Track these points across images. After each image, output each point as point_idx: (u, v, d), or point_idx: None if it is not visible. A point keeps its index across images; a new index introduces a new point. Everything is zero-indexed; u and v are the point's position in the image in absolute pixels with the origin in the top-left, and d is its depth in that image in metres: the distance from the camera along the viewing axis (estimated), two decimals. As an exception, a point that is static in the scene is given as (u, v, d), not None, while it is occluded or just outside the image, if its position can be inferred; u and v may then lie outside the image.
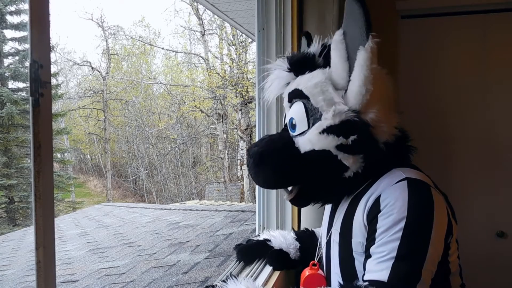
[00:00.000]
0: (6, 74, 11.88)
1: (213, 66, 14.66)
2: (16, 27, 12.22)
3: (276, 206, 1.62)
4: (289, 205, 1.64)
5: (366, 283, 0.83)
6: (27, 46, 4.02)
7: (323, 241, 1.12)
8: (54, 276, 0.70)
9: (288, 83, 1.06)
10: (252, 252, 1.31)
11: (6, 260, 3.53)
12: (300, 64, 1.04)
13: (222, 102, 13.86)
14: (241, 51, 13.10)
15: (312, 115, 0.97)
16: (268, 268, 1.27)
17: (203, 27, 13.87)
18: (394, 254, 0.82)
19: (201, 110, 14.29)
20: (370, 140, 0.92)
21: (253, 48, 13.34)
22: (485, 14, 2.05)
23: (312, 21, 1.56)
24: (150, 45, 17.91)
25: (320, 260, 1.15)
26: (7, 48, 12.28)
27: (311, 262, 1.13)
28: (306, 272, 1.12)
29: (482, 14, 2.05)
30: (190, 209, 4.53)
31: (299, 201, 1.07)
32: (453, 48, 2.11)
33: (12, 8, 12.14)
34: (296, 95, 1.01)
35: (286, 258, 1.26)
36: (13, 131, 11.33)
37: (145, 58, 18.17)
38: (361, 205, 0.94)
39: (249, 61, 13.20)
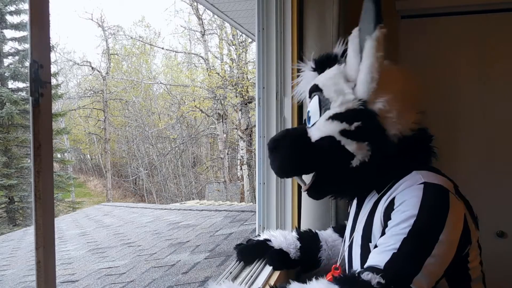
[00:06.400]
0: (6, 74, 11.87)
1: (213, 66, 14.65)
2: (16, 27, 12.21)
3: (276, 206, 1.62)
4: (289, 205, 1.64)
5: (363, 269, 0.84)
6: (27, 46, 4.01)
7: (346, 243, 1.12)
8: (54, 276, 0.70)
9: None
10: (252, 252, 1.30)
11: (6, 260, 3.53)
12: (323, 64, 1.10)
13: (222, 102, 13.85)
14: (241, 51, 13.10)
15: (324, 105, 1.02)
16: (268, 268, 1.27)
17: (203, 27, 13.86)
18: (397, 245, 0.82)
19: (201, 110, 14.29)
20: (376, 129, 0.94)
21: (253, 48, 13.34)
22: (485, 14, 2.05)
23: (312, 21, 1.55)
24: (150, 45, 17.90)
25: (342, 263, 1.13)
26: (7, 48, 12.28)
27: (333, 265, 1.10)
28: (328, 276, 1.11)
29: (482, 14, 2.05)
30: (190, 209, 4.52)
31: (314, 192, 1.09)
32: (453, 48, 2.11)
33: (12, 8, 12.14)
34: (314, 89, 1.07)
35: (286, 258, 1.25)
36: (13, 131, 11.33)
37: (145, 58, 18.16)
38: (379, 207, 0.95)
39: (249, 61, 13.20)
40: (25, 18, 12.00)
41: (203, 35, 14.11)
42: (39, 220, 0.66)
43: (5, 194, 11.19)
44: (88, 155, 22.05)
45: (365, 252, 0.99)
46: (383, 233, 0.89)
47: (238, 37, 12.92)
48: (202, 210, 4.26)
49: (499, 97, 2.07)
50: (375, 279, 0.75)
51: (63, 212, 12.60)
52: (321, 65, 1.10)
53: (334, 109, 0.98)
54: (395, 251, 0.81)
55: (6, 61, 12.31)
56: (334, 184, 1.05)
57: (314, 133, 1.01)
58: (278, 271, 1.27)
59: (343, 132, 0.95)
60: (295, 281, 0.93)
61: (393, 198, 0.91)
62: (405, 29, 2.13)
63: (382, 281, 0.75)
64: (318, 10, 1.54)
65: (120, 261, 2.41)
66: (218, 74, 13.59)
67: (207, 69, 14.39)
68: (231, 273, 1.24)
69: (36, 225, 0.66)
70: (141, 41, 17.67)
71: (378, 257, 0.83)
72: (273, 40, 1.61)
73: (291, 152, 1.03)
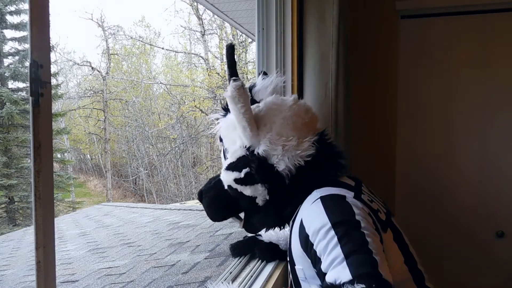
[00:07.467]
0: (6, 74, 11.87)
1: (213, 66, 14.66)
2: (16, 27, 12.20)
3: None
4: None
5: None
6: (27, 46, 4.01)
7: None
8: (54, 276, 0.70)
9: None
10: (243, 246, 1.37)
11: (6, 260, 3.53)
12: (226, 109, 1.15)
13: (222, 102, 13.85)
14: (241, 51, 13.10)
15: (225, 155, 1.11)
16: (268, 269, 1.27)
17: (203, 27, 13.88)
18: (341, 255, 0.81)
19: (201, 110, 14.29)
20: (264, 170, 1.00)
21: (253, 48, 13.35)
22: (485, 14, 2.05)
23: (312, 21, 1.56)
24: (150, 45, 17.90)
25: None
26: (7, 48, 12.28)
27: None
28: None
29: (482, 14, 2.06)
30: (190, 209, 4.52)
31: (247, 229, 1.20)
32: (453, 48, 2.11)
33: (12, 8, 12.13)
34: (220, 139, 1.15)
35: (275, 249, 1.30)
36: (13, 131, 11.32)
37: (145, 58, 18.15)
38: (293, 233, 0.99)
39: (249, 61, 13.21)
40: (25, 18, 12.00)
41: (203, 35, 14.12)
42: (39, 220, 0.66)
43: (5, 194, 11.19)
44: (88, 155, 22.03)
45: (294, 277, 1.03)
46: (317, 259, 0.87)
47: (238, 37, 12.93)
48: (202, 210, 4.25)
49: (499, 96, 2.07)
50: (357, 286, 0.75)
51: (63, 212, 12.60)
52: (227, 110, 1.14)
53: (228, 159, 1.07)
54: (345, 259, 0.80)
55: (6, 61, 12.30)
56: (258, 221, 1.12)
57: (223, 183, 1.11)
58: (278, 272, 1.27)
59: (236, 181, 1.04)
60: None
61: (301, 221, 0.94)
62: (405, 29, 2.13)
63: (363, 285, 0.75)
64: (318, 10, 1.54)
65: (120, 261, 2.40)
66: (218, 74, 13.61)
67: (207, 69, 14.41)
68: (231, 273, 1.24)
69: (36, 225, 0.66)
70: (141, 41, 17.68)
71: (337, 273, 0.80)
72: (273, 40, 1.61)
73: (210, 202, 1.15)
